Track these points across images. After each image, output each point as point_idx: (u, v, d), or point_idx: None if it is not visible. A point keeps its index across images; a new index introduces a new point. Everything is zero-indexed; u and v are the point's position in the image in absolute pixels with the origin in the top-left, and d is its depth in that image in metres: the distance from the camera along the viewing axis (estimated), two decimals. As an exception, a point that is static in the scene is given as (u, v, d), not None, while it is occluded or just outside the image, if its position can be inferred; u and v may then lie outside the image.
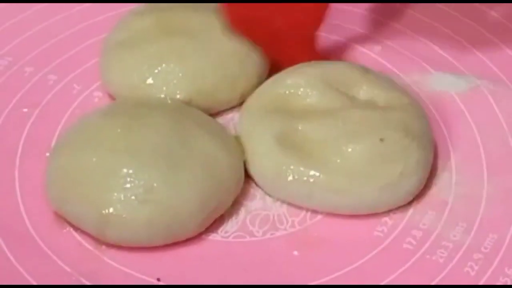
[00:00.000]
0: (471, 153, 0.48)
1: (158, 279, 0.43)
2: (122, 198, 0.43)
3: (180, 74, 0.49)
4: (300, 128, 0.46)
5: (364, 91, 0.48)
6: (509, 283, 0.43)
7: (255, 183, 0.47)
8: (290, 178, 0.45)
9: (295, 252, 0.44)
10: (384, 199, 0.45)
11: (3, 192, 0.46)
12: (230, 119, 0.50)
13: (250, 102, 0.49)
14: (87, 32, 0.55)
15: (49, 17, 0.56)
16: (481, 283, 0.43)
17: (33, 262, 0.44)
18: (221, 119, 0.50)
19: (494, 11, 0.56)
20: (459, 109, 0.51)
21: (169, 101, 0.48)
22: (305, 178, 0.45)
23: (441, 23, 0.56)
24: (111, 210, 0.43)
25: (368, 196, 0.45)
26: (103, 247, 0.44)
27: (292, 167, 0.45)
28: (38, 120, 0.50)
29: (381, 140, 0.45)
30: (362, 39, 0.55)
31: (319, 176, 0.45)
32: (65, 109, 0.51)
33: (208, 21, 0.51)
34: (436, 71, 0.52)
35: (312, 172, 0.45)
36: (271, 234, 0.45)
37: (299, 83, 0.48)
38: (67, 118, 0.50)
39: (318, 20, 0.50)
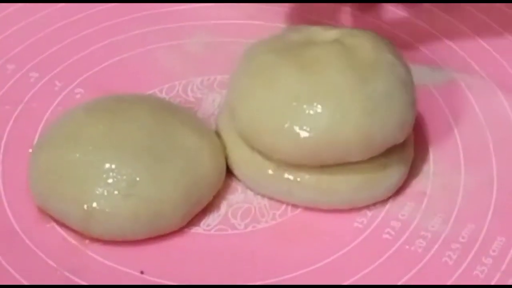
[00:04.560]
0: (448, 145, 0.49)
1: (142, 272, 0.43)
2: (105, 193, 0.44)
3: None
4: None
5: None
6: (486, 273, 0.43)
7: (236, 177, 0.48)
8: (270, 172, 0.46)
9: (277, 244, 0.45)
10: (364, 196, 0.46)
11: (-14, 189, 0.47)
12: (211, 114, 0.51)
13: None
14: (68, 30, 0.55)
15: (30, 15, 0.56)
16: (458, 272, 0.43)
17: (17, 257, 0.44)
18: (201, 114, 0.50)
19: (469, 5, 0.57)
20: (436, 101, 0.51)
21: (151, 97, 0.49)
22: (285, 175, 0.46)
23: (418, 16, 0.56)
24: (94, 205, 0.44)
25: (348, 193, 0.46)
26: (87, 241, 0.44)
27: (272, 163, 0.46)
28: (20, 117, 0.50)
29: None
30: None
31: (299, 172, 0.45)
32: (47, 106, 0.51)
33: None
34: (413, 64, 0.53)
35: (291, 169, 0.45)
36: (253, 227, 0.46)
37: None
38: (49, 115, 0.50)
39: None
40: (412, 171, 0.48)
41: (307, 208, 0.46)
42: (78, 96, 0.52)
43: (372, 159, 0.45)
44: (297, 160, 0.45)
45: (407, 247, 0.44)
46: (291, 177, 0.45)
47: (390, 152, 0.46)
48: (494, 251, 0.44)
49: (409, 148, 0.47)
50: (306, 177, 0.45)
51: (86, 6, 0.56)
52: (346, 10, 0.57)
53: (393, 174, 0.46)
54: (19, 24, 0.56)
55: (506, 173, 0.48)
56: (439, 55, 0.54)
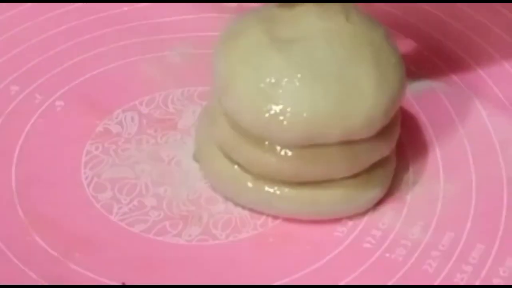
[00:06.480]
0: (427, 153, 0.49)
1: (123, 283, 0.43)
2: None
3: None
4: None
5: None
6: (465, 280, 0.44)
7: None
8: (250, 184, 0.46)
9: (258, 254, 0.45)
10: (345, 208, 0.46)
11: (-34, 201, 0.47)
12: (191, 126, 0.50)
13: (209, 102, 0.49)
14: (48, 43, 0.55)
15: (8, 29, 0.56)
16: (439, 280, 0.44)
17: (-2, 269, 0.44)
18: (182, 126, 0.50)
19: (440, 12, 0.58)
20: (414, 110, 0.52)
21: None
22: (264, 188, 0.46)
23: (392, 25, 0.57)
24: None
25: (329, 206, 0.46)
26: (68, 253, 0.44)
27: (251, 175, 0.46)
28: (0, 130, 0.50)
29: None
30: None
31: (278, 185, 0.45)
32: (27, 119, 0.51)
33: None
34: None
35: (271, 182, 0.46)
36: (234, 237, 0.46)
37: None
38: (29, 127, 0.50)
39: None
40: (392, 181, 0.48)
41: (288, 218, 0.46)
42: (58, 108, 0.52)
43: (352, 175, 0.46)
44: (279, 176, 0.45)
45: (387, 255, 0.45)
46: (270, 190, 0.46)
47: (372, 166, 0.46)
48: (473, 258, 0.44)
49: (391, 161, 0.48)
50: (286, 190, 0.45)
51: (65, 19, 0.57)
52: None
53: (375, 187, 0.46)
54: (-1, 38, 0.56)
55: (484, 181, 0.48)
56: (416, 65, 0.54)
